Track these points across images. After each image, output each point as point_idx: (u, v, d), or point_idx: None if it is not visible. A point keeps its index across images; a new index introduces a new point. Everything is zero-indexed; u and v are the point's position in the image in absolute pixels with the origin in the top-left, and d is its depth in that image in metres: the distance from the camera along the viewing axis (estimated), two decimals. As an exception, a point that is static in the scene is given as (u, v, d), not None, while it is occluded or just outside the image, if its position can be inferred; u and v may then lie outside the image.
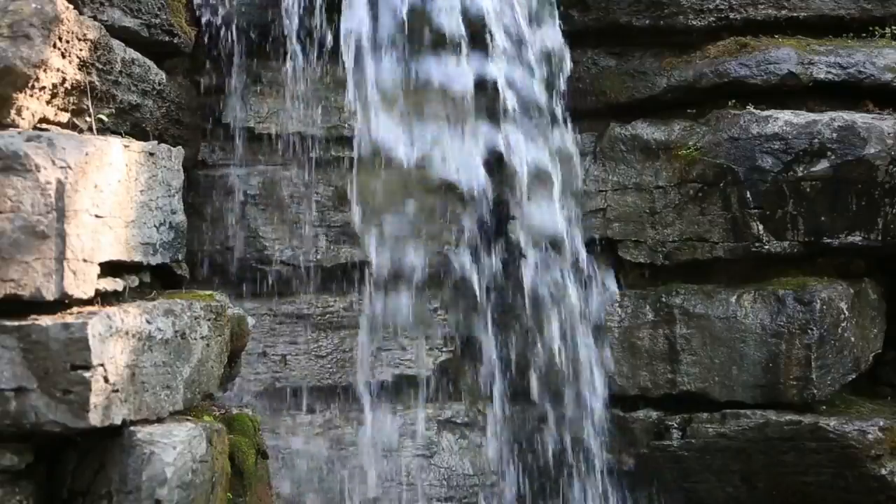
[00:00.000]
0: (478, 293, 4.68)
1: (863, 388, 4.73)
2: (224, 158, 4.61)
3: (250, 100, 4.60)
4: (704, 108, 4.72)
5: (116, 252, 3.12)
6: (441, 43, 4.46)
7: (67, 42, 3.22)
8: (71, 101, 3.33)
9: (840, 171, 4.44)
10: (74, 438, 2.97)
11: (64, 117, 3.32)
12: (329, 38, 4.44)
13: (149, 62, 3.91)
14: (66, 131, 3.26)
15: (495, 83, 4.50)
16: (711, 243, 4.62)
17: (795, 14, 4.76)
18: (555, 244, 4.63)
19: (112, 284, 3.12)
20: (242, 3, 4.43)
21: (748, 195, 4.50)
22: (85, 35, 3.33)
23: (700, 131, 4.66)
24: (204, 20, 4.37)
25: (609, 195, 4.80)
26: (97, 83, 3.45)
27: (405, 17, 4.40)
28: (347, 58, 4.38)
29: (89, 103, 3.40)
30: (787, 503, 4.52)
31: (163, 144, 3.52)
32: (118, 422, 2.94)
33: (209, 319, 3.40)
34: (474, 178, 4.54)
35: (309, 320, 4.61)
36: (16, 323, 2.82)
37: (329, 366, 4.63)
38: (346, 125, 4.59)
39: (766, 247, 4.53)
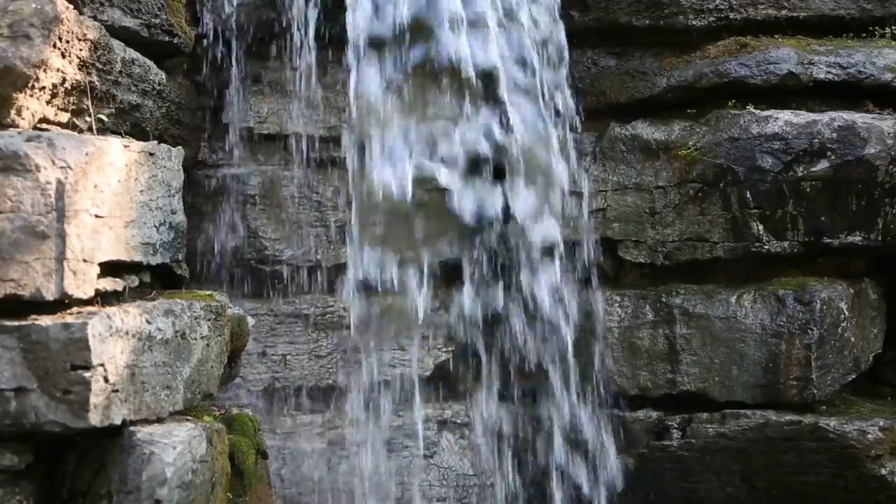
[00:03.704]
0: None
1: (863, 388, 4.73)
2: (224, 158, 4.62)
3: (250, 100, 4.60)
4: (704, 108, 4.72)
5: (116, 252, 3.12)
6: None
7: (67, 42, 3.22)
8: (71, 101, 3.33)
9: (840, 171, 4.44)
10: (74, 438, 2.97)
11: (64, 117, 3.32)
12: (329, 37, 4.44)
13: (149, 62, 3.91)
14: (66, 131, 3.26)
15: None
16: (711, 243, 4.62)
17: (795, 14, 4.76)
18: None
19: (112, 284, 3.12)
20: (242, 3, 4.43)
21: (748, 195, 4.50)
22: (85, 35, 3.33)
23: (700, 131, 4.66)
24: (204, 20, 4.37)
25: (609, 195, 4.80)
26: (97, 83, 3.45)
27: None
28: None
29: (89, 103, 3.40)
30: (787, 503, 4.52)
31: (163, 144, 3.52)
32: (118, 422, 2.94)
33: (209, 319, 3.40)
34: None
35: (309, 320, 4.61)
36: (16, 323, 2.83)
37: (329, 366, 4.63)
38: (346, 125, 4.60)
39: (766, 247, 4.52)
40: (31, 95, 3.14)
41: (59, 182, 2.87)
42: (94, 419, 2.85)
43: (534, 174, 4.59)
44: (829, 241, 4.49)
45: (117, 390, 2.91)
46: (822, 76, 4.61)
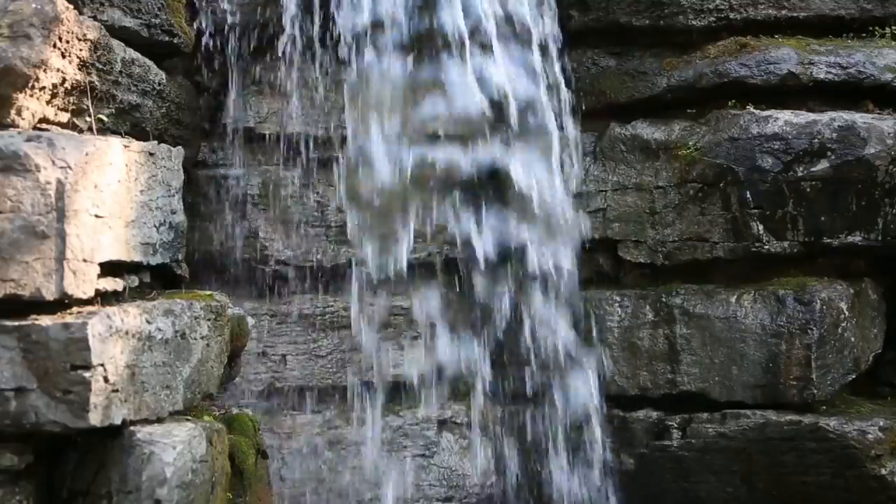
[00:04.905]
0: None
1: (863, 388, 4.72)
2: (224, 158, 4.62)
3: (250, 100, 4.61)
4: (704, 108, 4.72)
5: (116, 252, 3.12)
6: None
7: (67, 42, 3.22)
8: (71, 101, 3.33)
9: (840, 171, 4.44)
10: (74, 438, 2.97)
11: (64, 117, 3.32)
12: (328, 37, 4.45)
13: (149, 62, 3.91)
14: (66, 131, 3.27)
15: None
16: (711, 243, 4.62)
17: (795, 14, 4.76)
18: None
19: (112, 284, 3.12)
20: (242, 3, 4.43)
21: (748, 195, 4.50)
22: (85, 35, 3.33)
23: (700, 131, 4.66)
24: (204, 20, 4.37)
25: (609, 195, 4.80)
26: (97, 83, 3.45)
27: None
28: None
29: (89, 103, 3.40)
30: (787, 503, 4.52)
31: (163, 144, 3.52)
32: (118, 422, 2.94)
33: (209, 319, 3.41)
34: None
35: (309, 320, 4.61)
36: (16, 323, 2.83)
37: (329, 366, 4.63)
38: (346, 125, 4.60)
39: (766, 247, 4.52)
40: (31, 95, 3.14)
41: (59, 182, 2.87)
42: (94, 419, 2.85)
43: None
44: (828, 241, 4.49)
45: (117, 390, 2.91)
46: (822, 76, 4.61)
